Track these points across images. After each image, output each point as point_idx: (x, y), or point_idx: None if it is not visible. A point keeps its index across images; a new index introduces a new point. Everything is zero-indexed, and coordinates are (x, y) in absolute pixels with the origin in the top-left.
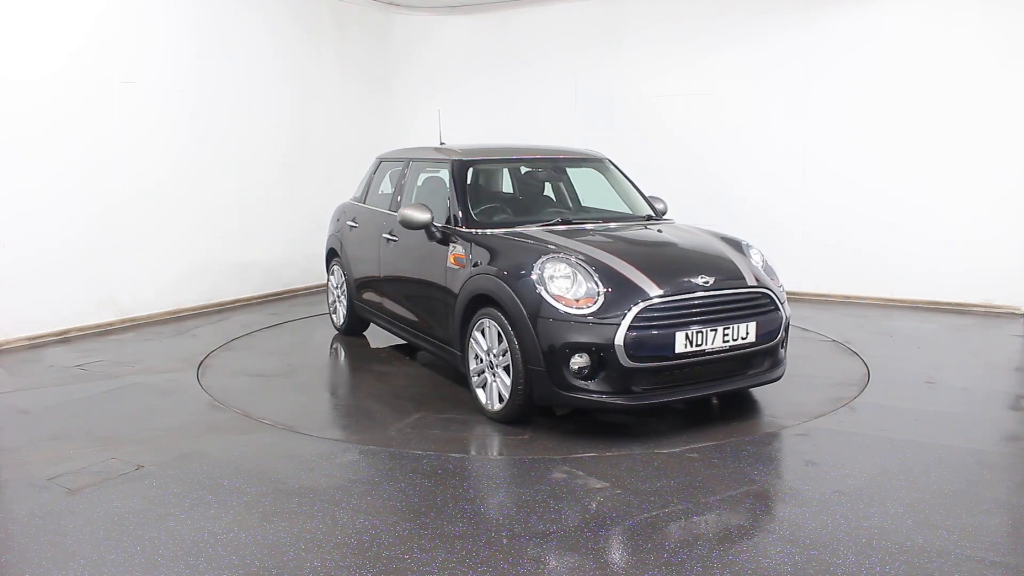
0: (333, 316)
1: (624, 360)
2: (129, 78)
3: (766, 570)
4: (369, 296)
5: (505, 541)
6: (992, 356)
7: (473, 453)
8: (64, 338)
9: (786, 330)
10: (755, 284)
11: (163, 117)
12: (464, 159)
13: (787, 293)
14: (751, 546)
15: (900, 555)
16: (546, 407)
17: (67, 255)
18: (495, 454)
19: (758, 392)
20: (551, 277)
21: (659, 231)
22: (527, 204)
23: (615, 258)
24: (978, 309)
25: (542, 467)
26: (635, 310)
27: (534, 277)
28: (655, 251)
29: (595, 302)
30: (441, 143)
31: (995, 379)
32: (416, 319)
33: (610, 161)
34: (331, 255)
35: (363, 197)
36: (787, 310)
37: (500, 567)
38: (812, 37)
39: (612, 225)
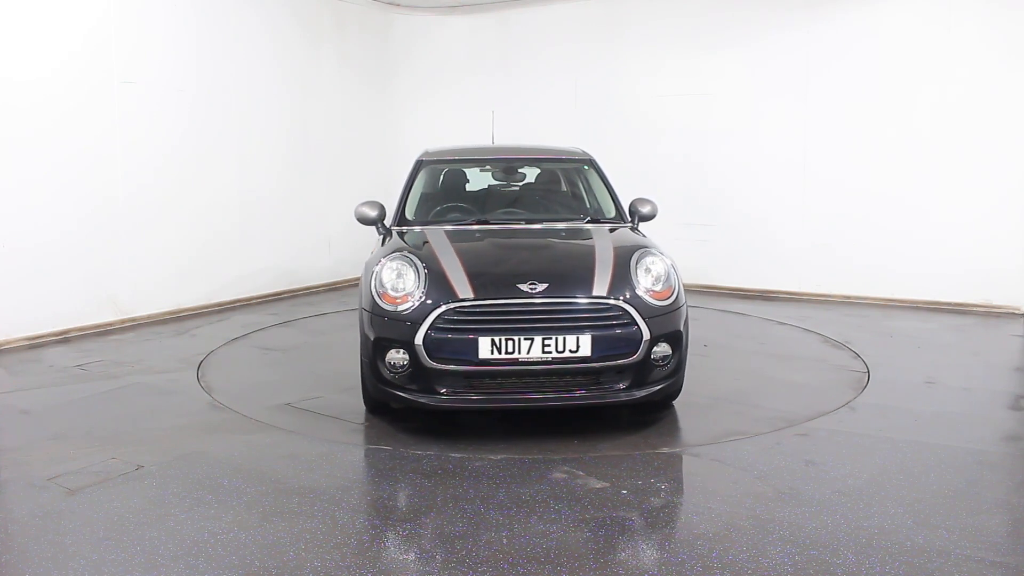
0: None
1: (426, 360)
2: (129, 78)
3: (766, 570)
4: None
5: (505, 541)
6: (992, 356)
7: (306, 432)
8: (64, 338)
9: (671, 344)
10: (602, 296)
11: (162, 118)
12: (422, 159)
13: (787, 293)
14: (751, 546)
15: (900, 555)
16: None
17: (67, 256)
18: (326, 435)
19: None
20: (383, 274)
21: (563, 233)
22: (475, 204)
23: (457, 261)
24: (978, 309)
25: (542, 467)
26: (437, 312)
27: (373, 273)
28: (506, 255)
29: (409, 301)
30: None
31: (995, 379)
32: None
33: (589, 162)
34: None
35: None
36: (664, 327)
37: (500, 567)
38: (812, 35)
39: (519, 227)
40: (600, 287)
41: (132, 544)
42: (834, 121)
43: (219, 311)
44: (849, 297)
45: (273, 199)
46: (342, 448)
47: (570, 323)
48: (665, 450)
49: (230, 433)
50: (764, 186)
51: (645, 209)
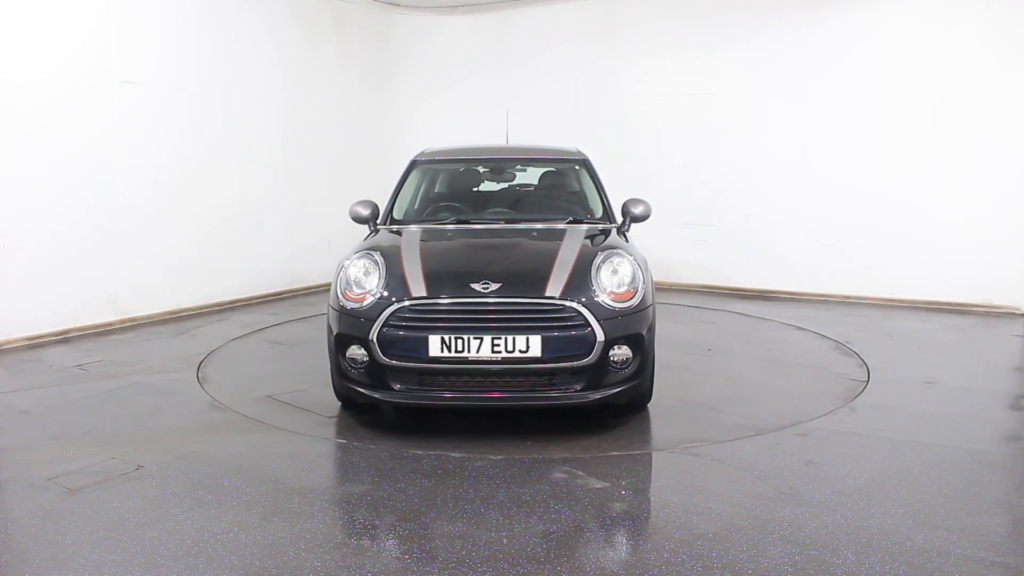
0: None
1: (380, 357)
2: (129, 78)
3: (766, 570)
4: None
5: (505, 541)
6: (992, 356)
7: (278, 424)
8: (64, 338)
9: (631, 346)
10: (554, 297)
11: (162, 118)
12: (416, 159)
13: (787, 293)
14: (751, 546)
15: (900, 555)
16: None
17: (67, 256)
18: (291, 426)
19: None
20: (348, 271)
21: (534, 234)
22: (462, 203)
23: (418, 259)
24: (978, 309)
25: (542, 467)
26: (390, 309)
27: (339, 270)
28: (467, 255)
29: (368, 299)
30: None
31: (995, 379)
32: None
33: (582, 162)
34: None
35: None
36: (623, 330)
37: (500, 567)
38: (812, 35)
39: (496, 228)
40: (554, 288)
41: (132, 544)
42: (834, 121)
43: (219, 311)
44: (849, 297)
45: (273, 199)
46: (342, 448)
47: (520, 323)
48: (665, 450)
49: (230, 433)
50: (764, 186)
51: (638, 210)
